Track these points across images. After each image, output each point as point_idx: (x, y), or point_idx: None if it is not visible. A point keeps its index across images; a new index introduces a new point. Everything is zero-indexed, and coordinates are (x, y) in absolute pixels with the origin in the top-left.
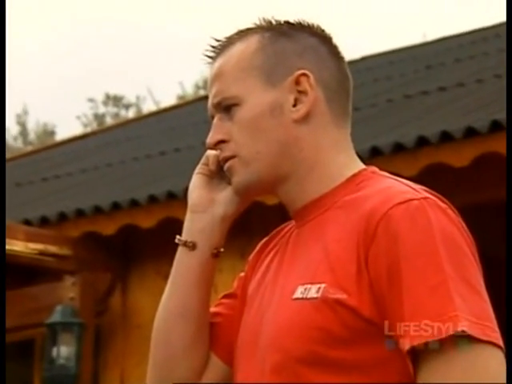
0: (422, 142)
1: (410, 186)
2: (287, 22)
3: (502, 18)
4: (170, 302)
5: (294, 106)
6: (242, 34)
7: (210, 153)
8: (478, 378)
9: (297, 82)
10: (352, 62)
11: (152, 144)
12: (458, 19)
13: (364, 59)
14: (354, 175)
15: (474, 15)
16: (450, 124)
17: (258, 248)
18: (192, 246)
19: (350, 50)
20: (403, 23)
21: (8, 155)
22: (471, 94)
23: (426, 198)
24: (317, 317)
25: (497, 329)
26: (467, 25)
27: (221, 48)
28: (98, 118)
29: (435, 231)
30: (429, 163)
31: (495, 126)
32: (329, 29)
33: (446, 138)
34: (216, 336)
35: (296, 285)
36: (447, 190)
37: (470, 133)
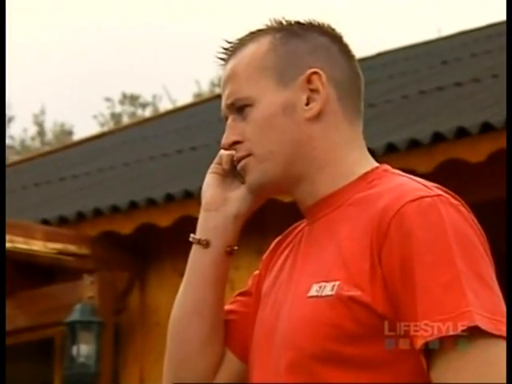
0: (438, 137)
1: (423, 184)
2: (298, 22)
3: None
4: (185, 299)
5: (307, 104)
6: (254, 35)
7: (224, 152)
8: (491, 374)
9: (309, 81)
10: (367, 59)
11: (168, 143)
12: (473, 14)
13: (379, 55)
14: (366, 173)
15: (489, 10)
16: (466, 120)
17: (271, 247)
18: (206, 244)
19: (365, 47)
20: (418, 19)
21: (26, 155)
22: (487, 90)
23: (438, 196)
24: (331, 314)
25: None
26: (482, 19)
27: (233, 50)
28: (115, 117)
29: (447, 228)
30: (445, 159)
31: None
32: (343, 25)
33: (461, 133)
34: (231, 333)
35: (311, 283)
36: (463, 185)
37: (486, 128)
